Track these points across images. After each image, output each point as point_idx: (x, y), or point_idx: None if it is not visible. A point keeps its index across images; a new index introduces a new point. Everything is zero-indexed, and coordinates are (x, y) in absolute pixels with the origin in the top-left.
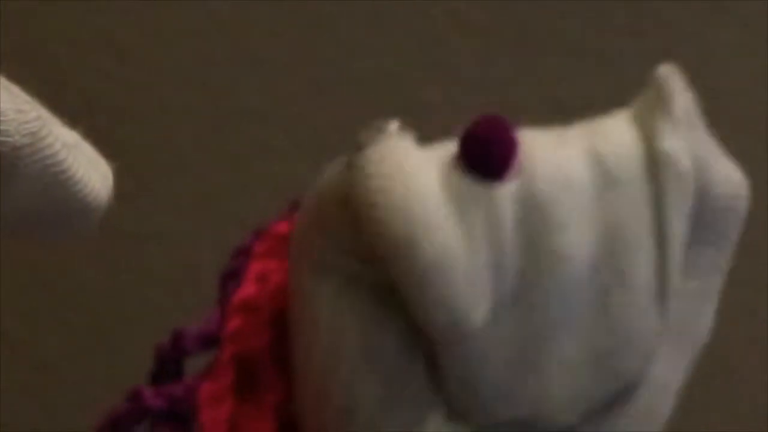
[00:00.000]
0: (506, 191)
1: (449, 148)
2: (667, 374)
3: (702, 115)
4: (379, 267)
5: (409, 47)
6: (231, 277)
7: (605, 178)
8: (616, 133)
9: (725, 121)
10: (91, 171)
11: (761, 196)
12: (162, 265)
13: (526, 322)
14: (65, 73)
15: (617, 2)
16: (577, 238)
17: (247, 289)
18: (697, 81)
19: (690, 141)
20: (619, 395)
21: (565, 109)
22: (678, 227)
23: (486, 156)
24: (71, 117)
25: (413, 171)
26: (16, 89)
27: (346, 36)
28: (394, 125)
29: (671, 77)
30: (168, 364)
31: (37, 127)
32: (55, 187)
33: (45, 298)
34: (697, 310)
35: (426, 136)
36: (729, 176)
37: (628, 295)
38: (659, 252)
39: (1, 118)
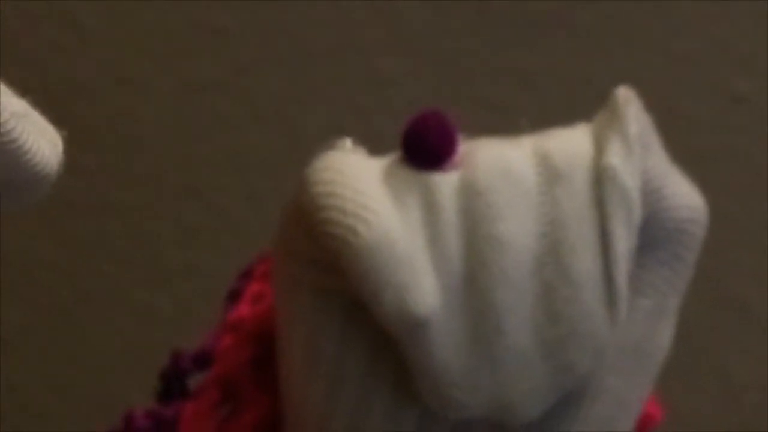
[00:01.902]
0: (446, 180)
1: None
2: (623, 389)
3: (660, 136)
4: (341, 273)
5: (368, 17)
6: (232, 298)
7: (550, 173)
8: (568, 139)
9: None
10: (41, 140)
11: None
12: (120, 239)
13: (476, 310)
14: (22, 47)
15: None
16: (517, 227)
17: (241, 309)
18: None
19: (642, 162)
20: (576, 395)
21: (526, 79)
22: (621, 236)
23: (423, 146)
24: (27, 90)
25: (353, 170)
26: None
27: (303, 6)
28: (347, 142)
29: (628, 99)
30: (171, 385)
31: None
32: (4, 156)
33: (3, 275)
34: (653, 328)
35: (384, 106)
36: (684, 200)
37: (573, 290)
38: (604, 256)
39: None
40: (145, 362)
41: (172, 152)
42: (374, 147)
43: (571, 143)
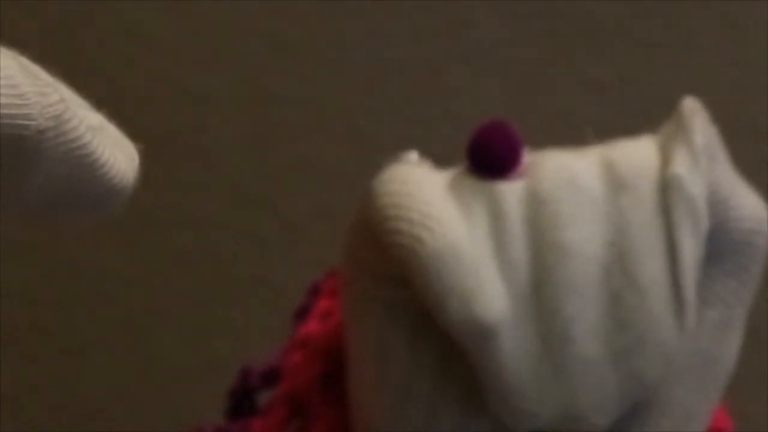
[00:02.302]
0: (511, 189)
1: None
2: (691, 400)
3: (725, 149)
4: (409, 285)
5: (438, 29)
6: (301, 315)
7: (616, 183)
8: (634, 149)
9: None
10: (117, 152)
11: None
12: (192, 252)
13: (543, 318)
14: (91, 60)
15: None
16: (583, 235)
17: (310, 325)
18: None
19: (708, 173)
20: (644, 406)
21: (597, 90)
22: (687, 245)
23: (488, 155)
24: (97, 103)
25: (419, 181)
26: (38, 71)
27: (374, 17)
28: (413, 155)
29: (694, 110)
30: (240, 401)
31: (60, 110)
32: (81, 169)
33: (75, 287)
34: (720, 339)
35: (456, 117)
36: (750, 211)
37: (640, 298)
38: (671, 264)
39: (24, 102)
40: (217, 375)
41: (244, 164)
42: (444, 158)
43: (637, 153)
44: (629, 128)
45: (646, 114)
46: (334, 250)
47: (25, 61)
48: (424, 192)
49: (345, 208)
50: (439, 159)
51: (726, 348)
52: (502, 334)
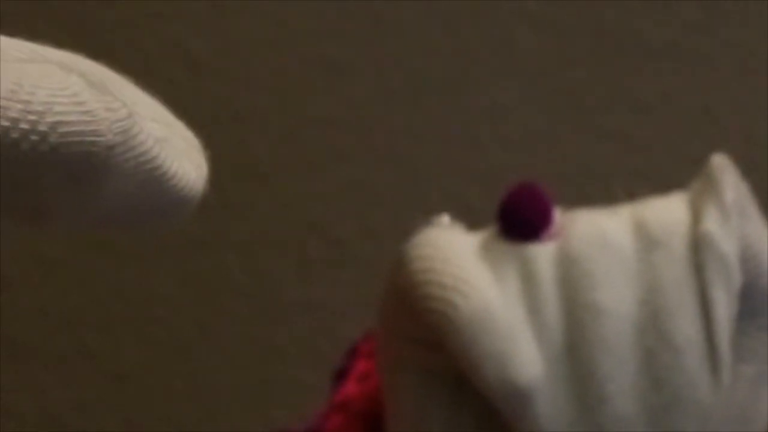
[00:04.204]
0: (543, 251)
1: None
2: None
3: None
4: (444, 351)
5: (483, 49)
6: (339, 377)
7: (648, 241)
8: (664, 207)
9: None
10: (185, 162)
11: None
12: (240, 274)
13: (578, 378)
14: (139, 83)
15: (693, 0)
16: (616, 295)
17: (348, 388)
18: None
19: (740, 229)
20: None
21: (643, 109)
22: (721, 302)
23: (519, 218)
24: None
25: (450, 245)
26: (108, 83)
27: (420, 39)
28: (444, 219)
29: (724, 167)
30: None
31: (128, 125)
32: (149, 182)
33: (123, 311)
34: (756, 394)
35: (502, 138)
36: None
37: (675, 356)
38: (705, 322)
39: (92, 118)
40: (265, 398)
41: (290, 187)
42: (490, 179)
43: (667, 211)
44: (675, 148)
45: (691, 133)
46: (380, 272)
47: (95, 72)
48: (455, 256)
49: (391, 229)
50: (484, 181)
51: (761, 402)
52: (538, 396)
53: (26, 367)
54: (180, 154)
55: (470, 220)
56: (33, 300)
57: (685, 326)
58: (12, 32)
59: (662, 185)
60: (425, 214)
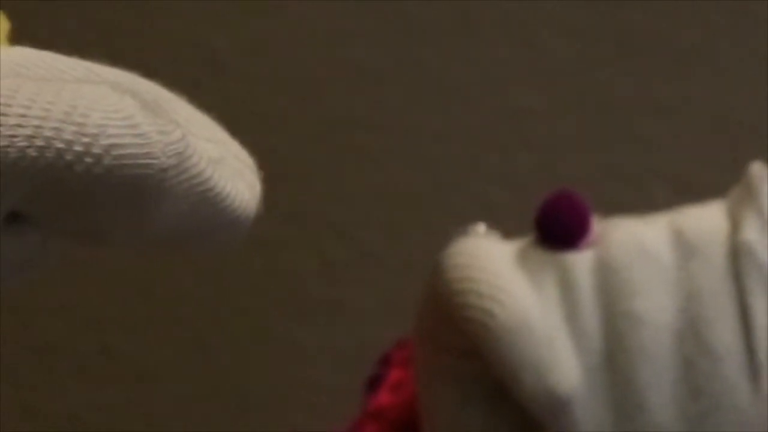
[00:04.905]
0: (581, 259)
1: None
2: None
3: None
4: (481, 359)
5: (508, 52)
6: (372, 385)
7: (686, 249)
8: (702, 215)
9: None
10: (238, 183)
11: None
12: (262, 275)
13: (617, 387)
14: (163, 84)
15: (720, 3)
16: (654, 303)
17: (382, 398)
18: None
19: None
20: None
21: (667, 112)
22: (760, 309)
23: (557, 227)
24: None
25: (487, 254)
26: (162, 105)
27: (446, 42)
28: (480, 227)
29: (762, 176)
30: None
31: (182, 147)
32: (202, 204)
33: (146, 311)
34: None
35: (529, 142)
36: None
37: (714, 364)
38: (744, 329)
39: (146, 141)
40: (288, 399)
41: (314, 188)
42: (516, 181)
43: (705, 220)
44: (699, 151)
45: (716, 136)
46: (405, 274)
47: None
48: (493, 264)
49: (415, 231)
50: (509, 184)
51: None
52: (577, 405)
53: (49, 367)
54: (234, 175)
55: (496, 223)
56: (55, 300)
57: (724, 334)
58: (39, 34)
59: (687, 188)
60: (450, 217)
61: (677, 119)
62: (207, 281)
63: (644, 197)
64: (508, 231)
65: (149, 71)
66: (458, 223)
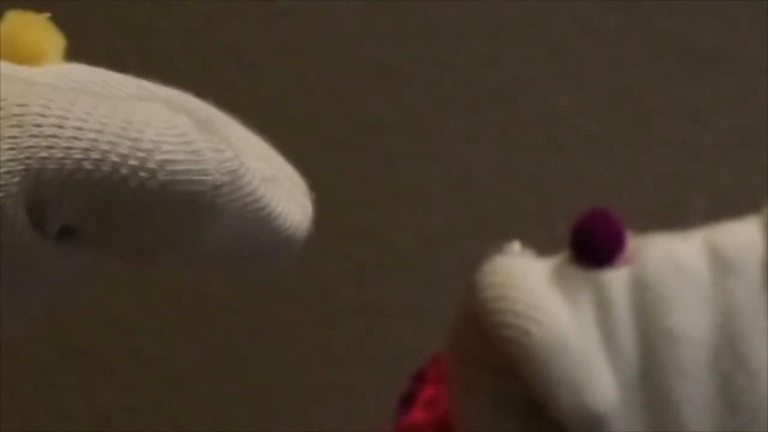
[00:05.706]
0: (616, 276)
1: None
2: None
3: None
4: (517, 376)
5: (537, 55)
6: (406, 402)
7: (721, 265)
8: (738, 231)
9: None
10: (291, 203)
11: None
12: (292, 278)
13: (654, 404)
14: (190, 85)
15: (748, 7)
16: (691, 319)
17: (416, 414)
18: None
19: None
20: None
21: (697, 116)
22: None
23: (592, 244)
24: None
25: (522, 272)
26: (215, 124)
27: (474, 44)
28: (515, 246)
29: None
30: None
31: (235, 165)
32: (255, 223)
33: (177, 314)
34: None
35: (557, 144)
36: None
37: (751, 380)
38: None
39: (200, 158)
40: (317, 403)
41: (344, 191)
42: (544, 185)
43: (741, 235)
44: (728, 155)
45: (745, 140)
46: (435, 277)
47: (201, 109)
48: (528, 283)
49: (444, 234)
50: (537, 187)
51: None
52: (613, 422)
53: (79, 370)
54: (286, 195)
55: (524, 227)
56: (87, 303)
57: (761, 350)
58: (70, 39)
59: (716, 193)
60: (479, 219)
61: (707, 123)
62: (237, 285)
63: (674, 201)
64: (536, 233)
65: (180, 73)
66: (486, 226)
